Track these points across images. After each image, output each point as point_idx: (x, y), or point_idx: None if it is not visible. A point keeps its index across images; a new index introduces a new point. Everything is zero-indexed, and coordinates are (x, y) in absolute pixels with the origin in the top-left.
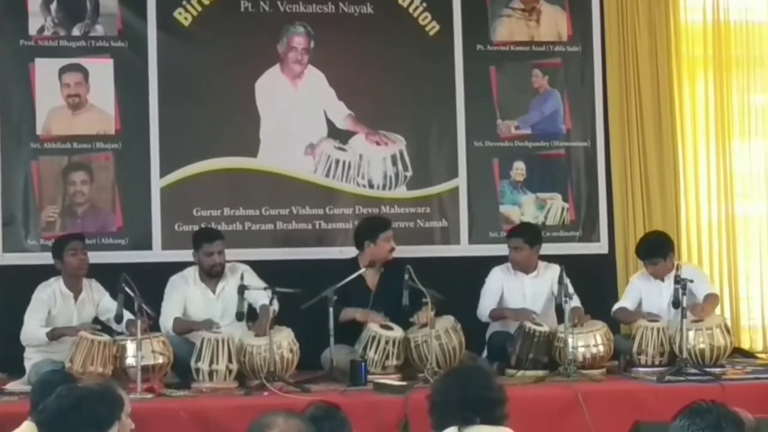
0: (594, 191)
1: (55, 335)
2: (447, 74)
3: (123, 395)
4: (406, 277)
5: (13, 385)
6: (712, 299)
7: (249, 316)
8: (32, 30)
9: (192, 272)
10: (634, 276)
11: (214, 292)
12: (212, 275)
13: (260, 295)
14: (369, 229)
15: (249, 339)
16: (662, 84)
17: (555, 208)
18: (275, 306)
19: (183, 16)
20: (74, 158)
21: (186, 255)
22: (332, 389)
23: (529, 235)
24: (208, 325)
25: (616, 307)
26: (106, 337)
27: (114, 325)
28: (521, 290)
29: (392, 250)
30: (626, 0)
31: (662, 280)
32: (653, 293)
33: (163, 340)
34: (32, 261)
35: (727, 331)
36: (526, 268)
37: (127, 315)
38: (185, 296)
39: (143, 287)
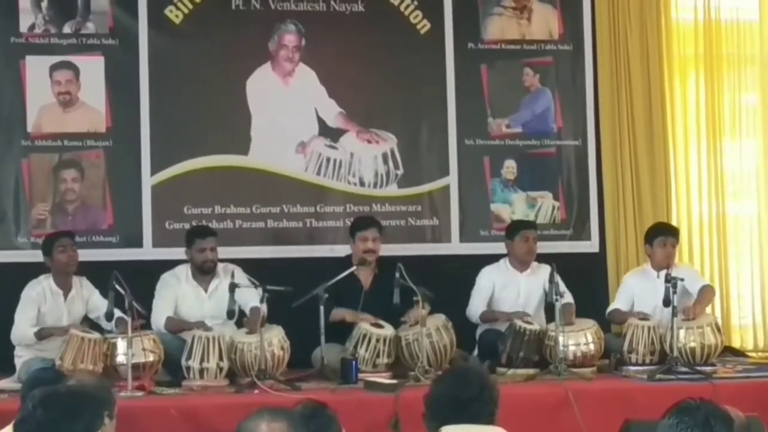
0: (585, 190)
1: (43, 335)
2: (438, 72)
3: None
4: (397, 275)
5: (3, 383)
6: (707, 291)
7: (237, 317)
8: (23, 27)
9: (184, 270)
10: (627, 275)
11: (206, 290)
12: (204, 272)
13: (250, 295)
14: (352, 227)
15: (240, 337)
16: (653, 82)
17: (546, 206)
18: (264, 309)
19: (174, 14)
20: (65, 156)
21: (177, 253)
22: (323, 387)
23: (536, 225)
24: (201, 327)
25: (610, 308)
26: (96, 335)
27: (104, 323)
28: (516, 288)
29: (369, 251)
30: None
31: (658, 275)
32: (647, 291)
33: (154, 338)
34: (23, 258)
35: (718, 329)
36: (531, 261)
37: (118, 313)
38: (177, 294)
39: (134, 285)
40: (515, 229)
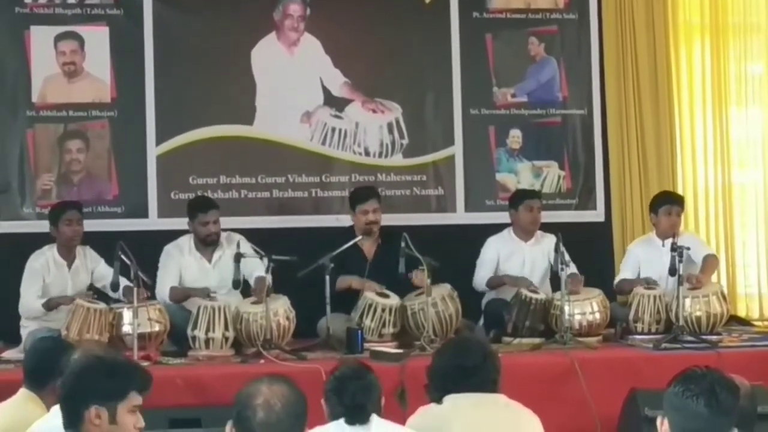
0: (590, 159)
1: (51, 305)
2: (443, 42)
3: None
4: (403, 244)
5: (9, 353)
6: (711, 260)
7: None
8: None
9: (186, 241)
10: (632, 245)
11: (209, 261)
12: (207, 244)
13: (256, 265)
14: (351, 200)
15: (245, 307)
16: (659, 51)
17: (551, 176)
18: (269, 279)
19: None
20: (70, 126)
21: (182, 223)
22: (329, 357)
23: (540, 195)
24: (205, 293)
25: (617, 279)
26: (102, 305)
27: (110, 293)
28: (521, 257)
29: (372, 222)
30: None
31: (663, 243)
32: (653, 260)
33: (160, 308)
34: (28, 229)
35: (724, 298)
36: (535, 230)
37: (124, 281)
38: (180, 265)
39: (139, 255)
40: (519, 198)
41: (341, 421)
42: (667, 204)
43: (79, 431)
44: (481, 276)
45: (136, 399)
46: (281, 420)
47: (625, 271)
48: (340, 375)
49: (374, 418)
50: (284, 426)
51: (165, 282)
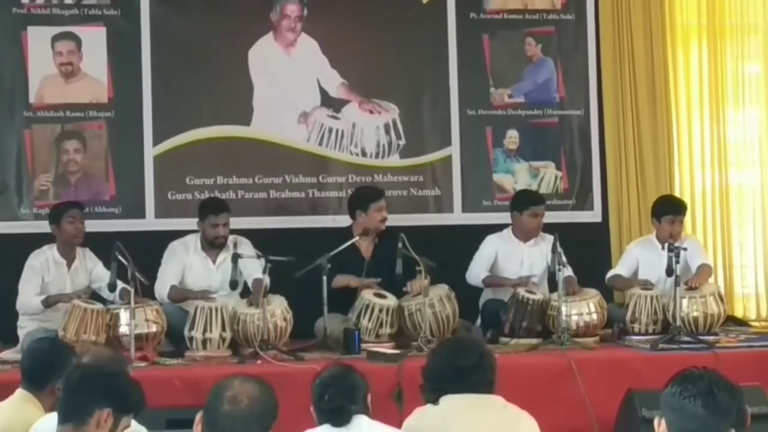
0: (587, 159)
1: (50, 302)
2: (440, 43)
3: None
4: (400, 245)
5: (6, 354)
6: (704, 270)
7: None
8: None
9: (193, 240)
10: (631, 244)
11: (214, 262)
12: (215, 246)
13: (254, 267)
14: (361, 199)
15: (242, 307)
16: (656, 52)
17: (548, 176)
18: (267, 281)
19: None
20: (67, 127)
21: (179, 224)
22: (326, 357)
23: (545, 201)
24: (204, 295)
25: (610, 273)
26: (99, 306)
27: (106, 294)
28: (519, 258)
29: (384, 220)
30: None
31: (662, 247)
32: (651, 262)
33: (157, 309)
34: (25, 229)
35: (721, 299)
36: (536, 236)
37: (120, 284)
38: (184, 264)
39: (136, 256)
40: (524, 203)
41: (327, 426)
42: (670, 214)
43: (77, 426)
44: (475, 273)
45: (128, 420)
46: (243, 416)
47: (620, 268)
48: (320, 382)
49: (357, 418)
50: (245, 423)
51: (165, 280)
